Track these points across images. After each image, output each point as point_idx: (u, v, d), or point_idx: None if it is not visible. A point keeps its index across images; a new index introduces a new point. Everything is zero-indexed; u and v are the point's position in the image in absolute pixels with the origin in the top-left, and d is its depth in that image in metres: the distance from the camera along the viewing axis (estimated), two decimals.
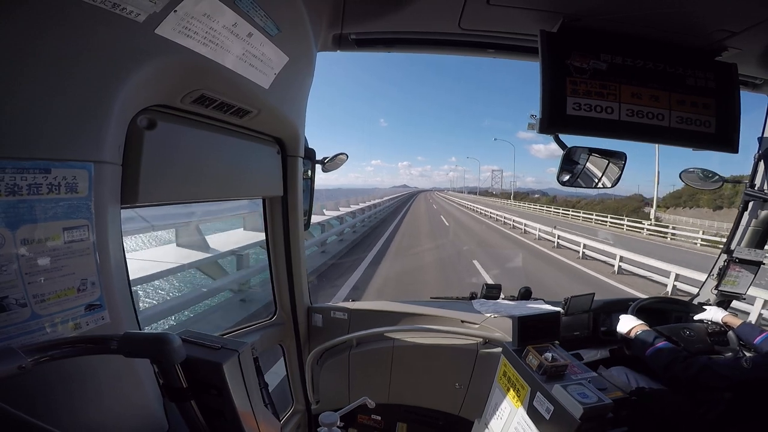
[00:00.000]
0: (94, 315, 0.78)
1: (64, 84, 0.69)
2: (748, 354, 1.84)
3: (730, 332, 1.87)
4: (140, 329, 0.96)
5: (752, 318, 6.32)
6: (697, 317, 2.00)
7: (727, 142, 1.44)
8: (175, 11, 0.81)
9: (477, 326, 1.97)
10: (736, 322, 1.85)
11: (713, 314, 1.95)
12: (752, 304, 6.37)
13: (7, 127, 0.64)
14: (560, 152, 1.48)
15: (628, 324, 1.80)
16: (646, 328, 1.75)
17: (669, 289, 8.76)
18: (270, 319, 1.94)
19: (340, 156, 2.11)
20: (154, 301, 5.36)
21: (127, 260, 0.94)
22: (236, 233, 7.77)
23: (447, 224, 23.82)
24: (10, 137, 0.65)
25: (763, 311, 6.38)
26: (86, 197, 0.76)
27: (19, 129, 0.65)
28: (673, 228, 23.22)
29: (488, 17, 1.41)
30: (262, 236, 1.91)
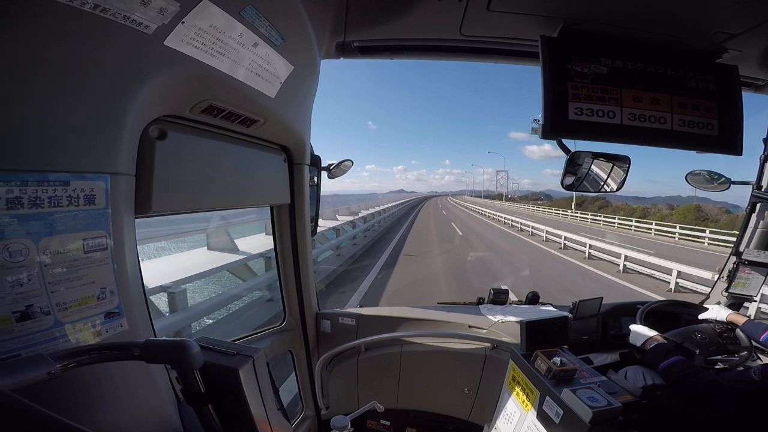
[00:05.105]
0: (113, 322, 0.81)
1: (80, 96, 0.72)
2: (761, 356, 1.83)
3: (738, 330, 1.85)
4: (155, 336, 0.98)
5: (751, 312, 6.23)
6: (701, 317, 1.99)
7: (731, 144, 1.43)
8: (183, 22, 0.83)
9: (485, 331, 1.97)
10: (740, 319, 1.84)
11: (716, 313, 1.94)
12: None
13: (27, 140, 0.66)
14: (555, 152, 1.49)
15: (640, 337, 1.78)
16: (659, 340, 1.72)
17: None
18: (279, 325, 1.96)
19: (346, 162, 2.14)
20: (199, 299, 5.50)
21: (141, 269, 0.97)
22: (260, 237, 7.87)
23: None
24: (30, 150, 0.67)
25: (761, 305, 6.31)
26: (103, 208, 0.79)
27: (38, 142, 0.68)
28: None
29: (489, 23, 1.43)
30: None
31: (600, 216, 32.77)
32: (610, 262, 12.05)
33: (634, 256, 11.16)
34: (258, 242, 7.25)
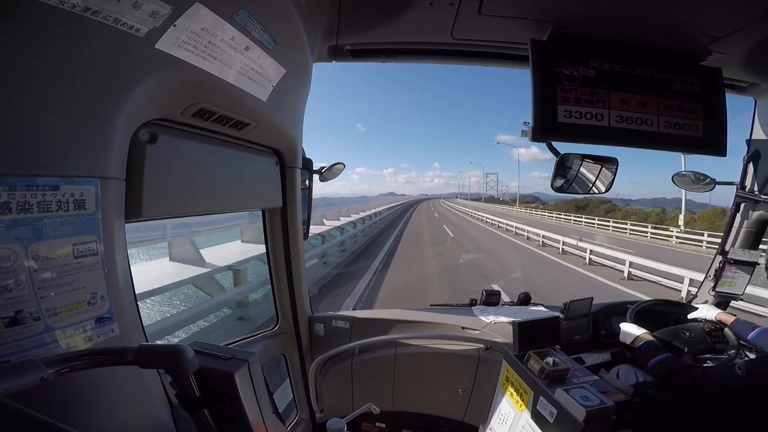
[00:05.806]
0: (105, 327, 0.79)
1: (69, 100, 0.71)
2: (749, 354, 1.87)
3: (727, 329, 1.89)
4: (147, 341, 0.97)
5: None
6: (690, 316, 2.02)
7: (715, 145, 1.46)
8: (175, 26, 0.83)
9: (478, 332, 1.98)
10: (728, 319, 1.87)
11: (706, 312, 1.97)
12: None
13: (15, 144, 0.65)
14: (543, 155, 1.51)
15: (629, 335, 1.81)
16: (648, 338, 1.75)
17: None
18: (272, 329, 1.95)
19: (337, 165, 2.15)
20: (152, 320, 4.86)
21: (132, 274, 0.96)
22: (234, 245, 7.37)
23: None
24: (18, 154, 0.66)
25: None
26: (93, 213, 0.77)
27: (27, 146, 0.67)
28: None
29: (480, 27, 1.44)
30: (260, 248, 1.90)
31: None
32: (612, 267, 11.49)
33: (640, 263, 10.53)
34: (231, 251, 6.77)
